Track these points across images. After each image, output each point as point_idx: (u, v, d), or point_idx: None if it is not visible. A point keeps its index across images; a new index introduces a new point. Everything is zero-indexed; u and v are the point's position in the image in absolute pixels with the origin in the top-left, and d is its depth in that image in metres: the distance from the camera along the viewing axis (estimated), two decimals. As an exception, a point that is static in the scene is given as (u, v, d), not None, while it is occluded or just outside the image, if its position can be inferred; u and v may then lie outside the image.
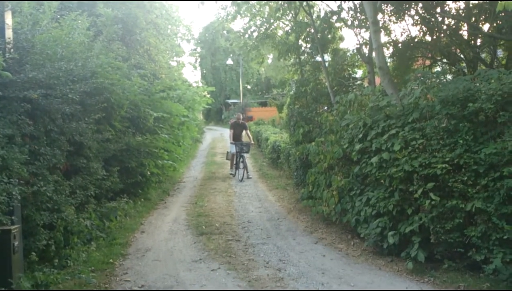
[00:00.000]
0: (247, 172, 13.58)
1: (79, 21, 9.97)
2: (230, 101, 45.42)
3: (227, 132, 32.51)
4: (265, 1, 13.69)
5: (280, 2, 12.65)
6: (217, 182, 13.02)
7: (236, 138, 14.10)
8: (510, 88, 5.20)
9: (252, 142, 15.07)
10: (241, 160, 13.39)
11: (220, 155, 19.33)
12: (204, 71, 48.85)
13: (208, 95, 24.93)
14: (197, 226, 7.93)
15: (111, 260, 6.14)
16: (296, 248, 6.60)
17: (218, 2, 20.64)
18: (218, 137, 27.94)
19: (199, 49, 48.46)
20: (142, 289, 5.17)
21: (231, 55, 42.56)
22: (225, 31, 46.07)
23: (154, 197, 10.46)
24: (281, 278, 5.33)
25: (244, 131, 14.53)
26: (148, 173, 10.17)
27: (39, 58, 6.49)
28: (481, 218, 4.92)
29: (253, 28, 14.56)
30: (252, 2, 13.40)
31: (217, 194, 11.11)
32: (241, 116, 15.14)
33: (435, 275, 5.11)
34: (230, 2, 10.86)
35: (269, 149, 16.14)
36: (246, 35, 14.86)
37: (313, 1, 12.66)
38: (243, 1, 11.24)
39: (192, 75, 71.21)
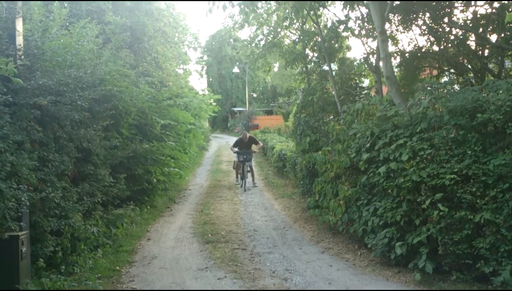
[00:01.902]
0: (254, 180, 13.58)
1: (88, 29, 10.07)
2: (236, 109, 45.55)
3: (232, 140, 32.61)
4: (274, 9, 13.75)
5: (287, 11, 12.71)
6: (223, 190, 13.02)
7: (243, 152, 13.71)
8: (519, 99, 5.18)
9: (256, 150, 14.76)
10: (247, 169, 13.34)
11: (225, 163, 19.35)
12: (211, 79, 49.11)
13: (214, 103, 25.00)
14: (203, 234, 7.92)
15: (117, 267, 6.14)
16: (302, 257, 6.57)
17: (226, 11, 20.66)
18: (224, 145, 27.96)
19: (205, 57, 48.73)
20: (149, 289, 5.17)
21: (238, 63, 42.75)
22: (231, 40, 46.37)
23: (160, 204, 10.47)
24: (288, 287, 5.31)
25: (253, 145, 14.17)
26: (155, 180, 10.18)
27: (49, 65, 6.55)
28: (490, 230, 4.88)
29: (260, 36, 14.67)
30: (260, 11, 13.46)
31: (223, 202, 11.10)
32: (247, 135, 14.31)
33: (443, 287, 5.07)
34: (238, 11, 10.88)
35: (275, 158, 16.14)
36: (253, 44, 14.96)
37: (321, 11, 12.70)
38: (252, 10, 11.27)
39: (199, 83, 71.57)
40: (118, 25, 14.87)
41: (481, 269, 4.91)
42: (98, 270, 5.96)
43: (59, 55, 7.03)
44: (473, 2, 9.68)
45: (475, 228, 5.03)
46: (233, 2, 9.77)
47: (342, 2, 11.05)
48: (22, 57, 5.96)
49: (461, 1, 9.87)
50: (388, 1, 8.40)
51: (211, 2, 9.40)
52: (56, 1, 11.47)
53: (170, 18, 20.31)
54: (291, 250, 6.97)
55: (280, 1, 12.95)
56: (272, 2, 13.54)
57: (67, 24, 10.61)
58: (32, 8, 9.00)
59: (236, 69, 41.73)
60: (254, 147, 14.29)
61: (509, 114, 5.20)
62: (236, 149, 13.77)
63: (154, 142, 10.44)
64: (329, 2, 12.62)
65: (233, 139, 33.64)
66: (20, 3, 6.11)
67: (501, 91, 5.59)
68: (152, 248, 7.17)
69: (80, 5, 14.86)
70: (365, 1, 9.88)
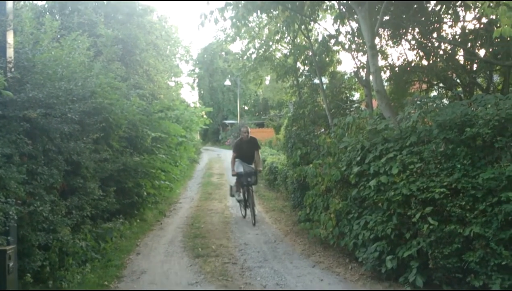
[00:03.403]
0: (254, 211, 9.92)
1: (80, 41, 10.09)
2: (227, 122, 45.59)
3: (223, 153, 32.71)
4: (265, 23, 13.83)
5: (279, 25, 12.81)
6: (213, 202, 12.96)
7: (245, 161, 10.50)
8: (507, 114, 5.24)
9: (260, 168, 10.94)
10: (249, 194, 10.03)
11: (216, 176, 19.29)
12: (202, 92, 49.18)
13: (206, 116, 25.06)
14: (193, 248, 7.86)
15: (106, 282, 6.06)
16: (293, 271, 6.53)
17: (218, 24, 20.82)
18: (215, 158, 27.95)
19: (197, 70, 48.88)
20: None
21: (229, 76, 42.91)
22: (223, 53, 46.56)
23: (150, 217, 10.39)
24: (278, 302, 5.27)
25: (254, 152, 10.65)
26: (145, 193, 10.12)
27: (40, 78, 6.52)
28: (480, 243, 4.90)
29: (252, 50, 14.73)
30: (251, 25, 13.55)
31: (213, 215, 11.04)
32: (248, 130, 11.01)
33: (434, 301, 5.07)
34: (230, 24, 10.94)
35: (266, 170, 16.13)
36: (245, 57, 15.02)
37: (312, 25, 12.82)
38: (243, 24, 11.34)
39: (190, 95, 71.53)
40: (110, 38, 14.91)
41: (471, 283, 4.92)
42: (86, 285, 5.88)
43: (50, 67, 7.01)
44: (461, 18, 9.84)
45: (464, 242, 5.04)
46: (225, 15, 9.81)
47: (333, 16, 11.20)
48: (13, 69, 5.94)
49: (450, 16, 10.03)
50: (378, 16, 8.50)
51: (202, 15, 9.45)
52: (48, 14, 11.50)
53: (162, 31, 20.43)
54: (282, 264, 6.93)
55: (271, 16, 13.07)
56: (263, 16, 13.65)
57: (59, 36, 10.60)
58: (24, 20, 9.01)
59: (227, 82, 41.85)
60: (256, 160, 10.73)
61: (497, 129, 5.26)
62: (236, 166, 10.42)
63: (144, 155, 10.40)
64: (320, 16, 12.75)
65: (224, 152, 33.87)
66: (11, 15, 6.10)
67: (489, 106, 5.66)
68: (142, 262, 7.10)
69: (71, 17, 14.91)
70: (355, 16, 9.99)
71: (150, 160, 10.39)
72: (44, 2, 16.99)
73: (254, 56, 14.64)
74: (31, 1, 15.38)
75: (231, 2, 9.62)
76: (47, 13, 15.22)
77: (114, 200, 8.40)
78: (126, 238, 8.40)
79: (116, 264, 6.86)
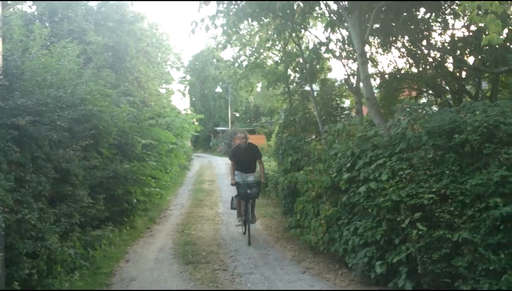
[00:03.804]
0: (249, 228, 8.76)
1: (69, 49, 10.05)
2: (218, 128, 45.55)
3: (215, 160, 32.65)
4: (257, 30, 13.90)
5: (270, 32, 12.88)
6: (204, 209, 12.92)
7: (244, 171, 9.31)
8: (495, 121, 5.29)
9: (263, 180, 9.79)
10: (248, 207, 8.93)
11: (208, 182, 19.24)
12: (193, 99, 49.11)
13: (197, 123, 25.05)
14: (183, 255, 7.82)
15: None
16: (283, 278, 6.53)
17: (208, 32, 20.93)
18: (206, 165, 27.89)
19: (188, 77, 48.87)
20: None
21: (220, 83, 42.96)
22: (214, 60, 46.60)
23: (140, 225, 10.32)
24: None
25: (255, 161, 9.52)
26: (135, 201, 10.06)
27: (29, 85, 6.49)
28: (468, 248, 4.93)
29: (243, 57, 14.80)
30: (243, 32, 13.62)
31: (204, 222, 11.00)
32: (247, 136, 9.60)
33: (423, 306, 5.09)
34: (221, 32, 10.98)
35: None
36: (236, 64, 15.07)
37: (302, 33, 12.91)
38: (234, 32, 11.39)
39: (181, 102, 71.51)
40: (100, 45, 14.87)
41: (460, 287, 4.94)
42: (75, 293, 5.82)
43: (39, 75, 6.99)
44: (450, 25, 9.97)
45: (453, 247, 5.08)
46: (216, 23, 9.83)
47: (323, 24, 11.28)
48: (1, 77, 5.91)
49: (439, 24, 10.15)
50: (368, 24, 8.58)
51: (193, 23, 9.47)
52: (37, 21, 11.45)
53: (153, 38, 20.45)
54: (273, 270, 6.92)
55: (262, 23, 13.15)
56: (254, 23, 13.71)
57: (48, 44, 10.56)
58: (13, 27, 8.97)
59: (219, 89, 41.87)
60: (259, 171, 9.93)
61: (485, 135, 5.31)
62: (235, 176, 9.18)
63: (135, 162, 10.35)
64: (311, 24, 12.85)
65: (215, 159, 33.82)
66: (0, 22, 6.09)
67: (478, 113, 5.72)
68: (131, 270, 7.05)
69: (61, 25, 14.87)
70: (345, 24, 10.08)
71: (140, 167, 10.33)
72: (34, 9, 16.93)
73: (245, 63, 14.71)
74: (20, 8, 15.32)
75: (222, 10, 9.65)
76: (37, 20, 15.16)
77: (104, 207, 8.34)
78: (116, 246, 8.33)
79: (105, 272, 6.80)
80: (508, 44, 8.40)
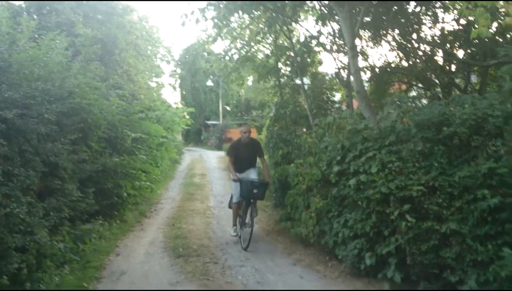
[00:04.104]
0: (251, 234, 7.63)
1: (58, 41, 9.93)
2: (209, 122, 45.43)
3: (206, 153, 32.57)
4: (247, 23, 13.85)
5: (261, 26, 12.85)
6: (195, 203, 12.90)
7: (243, 170, 8.21)
8: (483, 113, 5.34)
9: (268, 180, 8.36)
10: (250, 211, 7.80)
11: (198, 176, 19.20)
12: (184, 92, 48.87)
13: (188, 116, 24.96)
14: (174, 249, 7.81)
15: (84, 284, 5.97)
16: (274, 270, 6.55)
17: (198, 24, 20.83)
18: (197, 159, 27.81)
19: (179, 70, 48.61)
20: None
21: (211, 76, 42.80)
22: (205, 53, 46.37)
23: (130, 218, 10.28)
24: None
25: (255, 158, 8.44)
26: (125, 194, 10.01)
27: (16, 78, 6.43)
28: (456, 240, 4.99)
29: (234, 50, 14.75)
30: (233, 25, 13.56)
31: (195, 215, 10.99)
32: (249, 129, 8.56)
33: (412, 297, 5.15)
34: (211, 25, 10.92)
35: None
36: (227, 58, 15.02)
37: (293, 26, 12.90)
38: (224, 25, 11.34)
39: (172, 96, 71.22)
40: (89, 38, 14.73)
41: (448, 278, 5.00)
42: (64, 286, 5.78)
43: (27, 67, 6.91)
44: (440, 19, 10.01)
45: (441, 238, 5.13)
46: (206, 16, 9.78)
47: (314, 17, 11.28)
48: (-13, 69, 5.84)
49: (429, 18, 10.19)
50: (358, 18, 8.59)
51: (184, 15, 9.42)
52: (25, 13, 11.32)
53: (142, 31, 20.29)
54: (263, 262, 6.94)
55: (253, 16, 13.11)
56: (245, 16, 13.66)
57: (36, 36, 10.43)
58: (0, 20, 8.84)
59: (209, 83, 41.76)
60: (263, 169, 8.67)
61: (474, 128, 5.36)
62: (234, 173, 8.05)
63: (124, 156, 10.30)
64: (302, 17, 12.83)
65: (206, 152, 33.77)
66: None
67: (466, 106, 5.77)
68: (121, 263, 7.02)
69: (49, 17, 14.69)
70: (336, 17, 10.08)
71: (130, 160, 10.29)
72: (21, 2, 16.72)
73: (236, 56, 14.66)
74: (7, 1, 15.11)
75: (212, 2, 9.61)
76: (24, 12, 14.97)
77: (93, 201, 8.30)
78: (106, 239, 8.29)
79: (95, 266, 6.77)
80: (497, 37, 8.46)
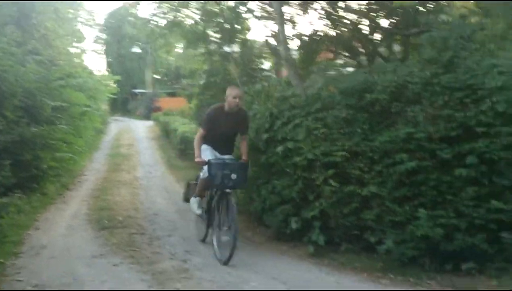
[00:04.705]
0: (235, 240, 5.24)
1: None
2: (137, 91, 44.01)
3: (134, 123, 31.65)
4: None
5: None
6: (122, 173, 12.54)
7: (219, 148, 5.95)
8: (403, 80, 5.54)
9: (246, 158, 5.93)
10: (226, 203, 5.56)
11: (126, 147, 18.68)
12: (110, 59, 46.76)
13: (115, 85, 23.97)
14: (98, 221, 7.55)
15: (1, 260, 5.61)
16: (203, 238, 6.53)
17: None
18: (125, 128, 26.99)
19: (104, 36, 46.29)
20: (37, 289, 4.79)
21: (139, 43, 41.17)
22: (131, 18, 44.40)
23: (51, 191, 9.78)
24: (186, 269, 5.24)
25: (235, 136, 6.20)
26: (45, 166, 9.50)
27: None
28: (376, 202, 5.21)
29: (161, 15, 14.16)
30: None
31: (121, 186, 10.69)
32: (241, 95, 5.97)
33: (334, 257, 5.36)
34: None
35: (178, 140, 15.88)
36: (153, 23, 14.42)
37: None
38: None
39: (97, 63, 67.87)
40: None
41: (368, 239, 5.24)
42: (-22, 263, 5.42)
43: None
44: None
45: (362, 201, 5.34)
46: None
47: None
48: None
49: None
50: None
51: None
52: None
53: (62, -8, 18.94)
54: (192, 232, 6.89)
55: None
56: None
57: None
58: None
59: (136, 49, 40.15)
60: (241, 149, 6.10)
61: (394, 95, 5.56)
62: (203, 152, 5.77)
63: (44, 126, 9.70)
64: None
65: (135, 123, 32.82)
66: None
67: (388, 73, 5.95)
68: (41, 237, 6.69)
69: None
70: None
71: (50, 130, 9.73)
72: None
73: (163, 22, 14.10)
74: None
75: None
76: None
77: (10, 174, 7.84)
78: (25, 213, 7.84)
79: (13, 240, 6.40)
80: (419, 7, 8.74)
